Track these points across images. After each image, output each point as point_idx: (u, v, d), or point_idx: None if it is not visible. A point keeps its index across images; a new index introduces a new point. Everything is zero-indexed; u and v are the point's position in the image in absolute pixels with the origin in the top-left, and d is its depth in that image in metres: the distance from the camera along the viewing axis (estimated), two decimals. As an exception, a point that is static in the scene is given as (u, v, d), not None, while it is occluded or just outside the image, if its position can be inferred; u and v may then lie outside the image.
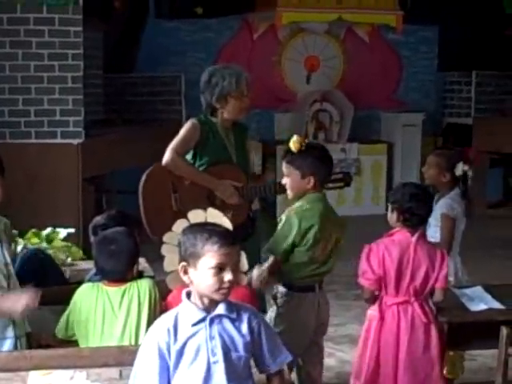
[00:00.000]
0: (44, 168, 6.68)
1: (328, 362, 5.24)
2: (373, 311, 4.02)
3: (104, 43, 8.76)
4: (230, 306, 2.83)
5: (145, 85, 9.56)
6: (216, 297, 2.77)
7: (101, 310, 3.54)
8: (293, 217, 3.94)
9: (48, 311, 3.73)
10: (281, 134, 10.11)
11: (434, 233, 4.81)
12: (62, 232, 4.97)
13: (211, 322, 2.79)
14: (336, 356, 5.45)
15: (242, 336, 2.82)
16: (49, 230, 4.91)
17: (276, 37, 10.69)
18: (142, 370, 2.80)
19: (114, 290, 3.58)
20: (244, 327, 2.83)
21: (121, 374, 3.14)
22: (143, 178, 4.85)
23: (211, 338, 2.78)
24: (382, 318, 3.95)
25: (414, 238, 3.93)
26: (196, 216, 3.63)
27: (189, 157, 4.83)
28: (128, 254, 3.66)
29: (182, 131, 4.80)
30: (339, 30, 10.84)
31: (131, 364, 2.86)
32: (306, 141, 4.07)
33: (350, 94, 10.43)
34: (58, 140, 7.00)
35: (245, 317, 2.85)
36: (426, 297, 3.96)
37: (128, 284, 3.60)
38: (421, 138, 10.71)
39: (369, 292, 3.99)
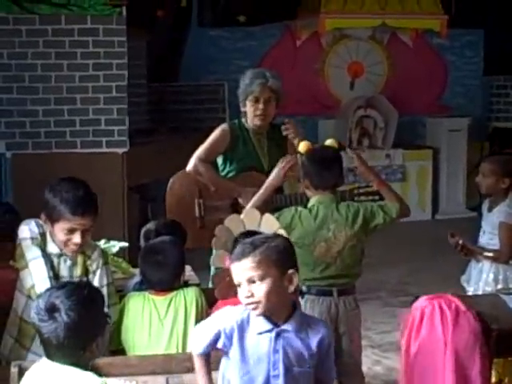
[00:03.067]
0: (89, 177, 6.56)
1: (375, 369, 5.22)
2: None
3: (148, 53, 8.81)
4: (302, 323, 2.79)
5: (188, 93, 9.59)
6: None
7: (147, 318, 3.55)
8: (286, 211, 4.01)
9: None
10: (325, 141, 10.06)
11: (488, 239, 4.74)
12: (115, 246, 4.76)
13: (277, 335, 2.76)
14: (383, 363, 5.40)
15: (310, 352, 2.78)
16: (102, 242, 4.59)
17: (319, 43, 10.66)
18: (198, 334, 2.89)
19: (160, 299, 3.58)
20: (313, 344, 2.79)
21: (168, 383, 3.14)
22: (170, 182, 4.88)
23: (275, 351, 2.75)
24: (421, 313, 3.82)
25: None
26: (251, 215, 3.63)
27: (220, 162, 4.82)
28: (174, 264, 3.66)
29: (210, 137, 4.76)
30: (383, 35, 10.79)
31: (178, 372, 2.86)
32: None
33: (395, 100, 10.36)
34: (103, 149, 7.04)
35: (317, 335, 2.80)
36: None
37: (174, 293, 3.60)
38: (467, 143, 10.59)
39: None
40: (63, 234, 3.42)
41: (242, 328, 2.77)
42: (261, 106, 4.65)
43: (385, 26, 10.23)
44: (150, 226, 4.23)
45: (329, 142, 4.33)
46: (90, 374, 2.53)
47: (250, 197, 4.51)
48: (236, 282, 2.77)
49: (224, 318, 2.83)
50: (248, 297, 2.72)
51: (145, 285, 3.73)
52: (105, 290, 3.57)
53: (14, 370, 3.12)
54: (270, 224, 3.63)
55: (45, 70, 6.90)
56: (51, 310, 2.50)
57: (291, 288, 2.76)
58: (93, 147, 7.02)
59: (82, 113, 6.99)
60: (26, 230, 3.49)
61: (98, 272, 3.58)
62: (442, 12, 10.23)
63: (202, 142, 4.81)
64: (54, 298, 2.52)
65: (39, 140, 6.96)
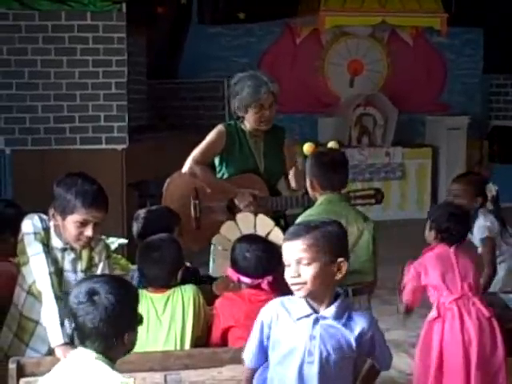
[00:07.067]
0: (88, 173, 6.71)
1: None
2: (432, 313, 3.92)
3: (147, 49, 8.81)
4: (343, 312, 2.77)
5: (188, 90, 9.59)
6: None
7: (145, 315, 3.53)
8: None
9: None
10: (324, 139, 10.06)
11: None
12: (114, 243, 4.68)
13: (315, 321, 2.75)
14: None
15: (348, 343, 2.76)
16: None
17: (319, 41, 10.66)
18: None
19: (158, 297, 3.58)
20: (352, 336, 2.76)
21: (165, 379, 3.14)
22: (166, 182, 4.87)
23: (311, 337, 2.73)
24: (442, 319, 3.84)
25: (452, 248, 3.92)
26: (245, 219, 3.64)
27: (216, 163, 4.80)
28: (171, 261, 3.66)
29: (207, 138, 4.73)
30: (383, 33, 10.79)
31: (176, 369, 2.85)
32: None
33: (394, 98, 10.36)
34: (103, 146, 7.05)
35: (357, 327, 2.78)
36: (482, 293, 3.90)
37: (172, 290, 3.60)
38: (466, 142, 10.60)
39: (404, 307, 3.95)
40: (75, 227, 3.42)
41: (281, 316, 2.78)
42: (267, 112, 4.61)
43: (385, 24, 10.23)
44: (140, 211, 4.24)
45: (331, 144, 4.34)
46: (116, 375, 2.55)
47: (245, 197, 4.51)
48: (285, 261, 2.75)
49: (264, 310, 2.84)
50: (294, 277, 2.71)
51: (141, 282, 3.74)
52: None
53: (12, 366, 3.12)
54: (264, 224, 3.66)
55: (44, 66, 6.91)
56: (91, 293, 2.57)
57: (339, 276, 2.74)
58: (92, 144, 7.02)
59: (82, 109, 7.00)
60: (29, 225, 3.49)
61: (101, 265, 3.59)
62: (442, 10, 10.24)
63: (201, 138, 4.79)
64: (94, 283, 2.61)
65: (38, 136, 6.97)
